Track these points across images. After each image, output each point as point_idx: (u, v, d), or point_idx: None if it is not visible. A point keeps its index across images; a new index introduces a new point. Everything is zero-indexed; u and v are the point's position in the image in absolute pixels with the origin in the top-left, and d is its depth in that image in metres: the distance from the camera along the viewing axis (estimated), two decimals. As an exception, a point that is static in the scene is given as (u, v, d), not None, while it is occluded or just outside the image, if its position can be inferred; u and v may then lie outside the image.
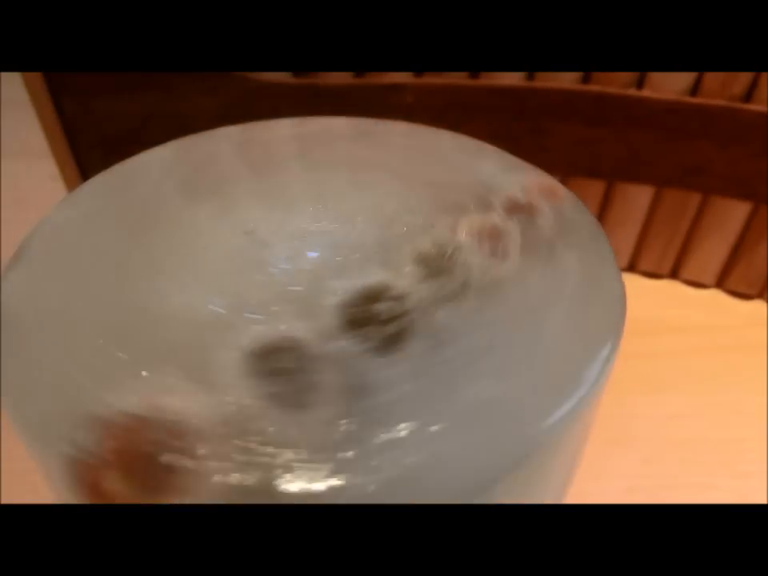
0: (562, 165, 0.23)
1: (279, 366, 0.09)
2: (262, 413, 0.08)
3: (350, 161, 0.13)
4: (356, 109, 0.21)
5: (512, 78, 0.21)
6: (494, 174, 0.13)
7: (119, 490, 0.08)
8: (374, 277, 0.10)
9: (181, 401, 0.09)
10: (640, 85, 0.21)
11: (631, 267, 0.25)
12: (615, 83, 0.21)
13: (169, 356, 0.09)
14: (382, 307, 0.10)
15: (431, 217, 0.12)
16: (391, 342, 0.09)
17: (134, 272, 0.10)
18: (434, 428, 0.08)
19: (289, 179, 0.13)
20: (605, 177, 0.23)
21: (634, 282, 0.25)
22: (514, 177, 0.13)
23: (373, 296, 0.10)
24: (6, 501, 0.17)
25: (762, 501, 0.18)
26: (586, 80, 0.21)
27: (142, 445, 0.08)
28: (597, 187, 0.23)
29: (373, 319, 0.10)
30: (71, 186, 0.22)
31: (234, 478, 0.08)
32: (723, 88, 0.20)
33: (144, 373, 0.09)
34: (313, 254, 0.11)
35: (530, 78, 0.21)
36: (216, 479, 0.08)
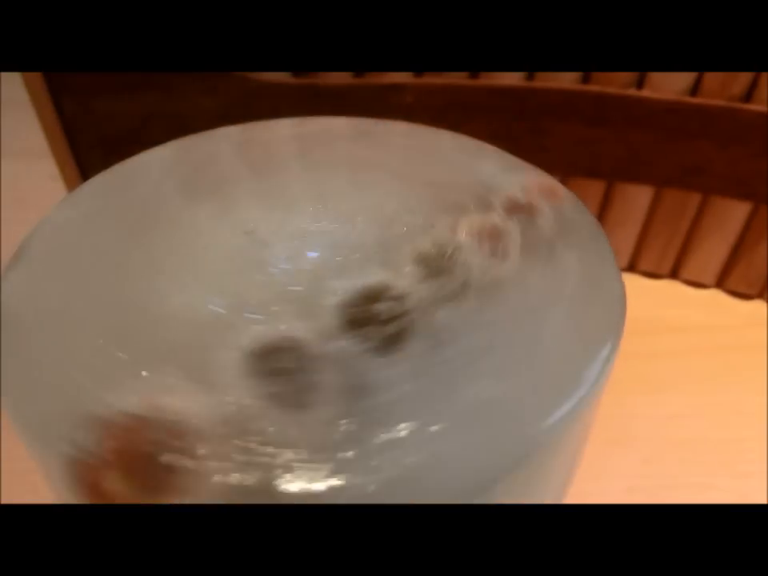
0: (562, 165, 0.23)
1: (279, 366, 0.09)
2: (261, 413, 0.08)
3: (350, 161, 0.13)
4: (356, 109, 0.21)
5: (512, 78, 0.21)
6: (494, 174, 0.13)
7: (119, 490, 0.08)
8: (374, 277, 0.10)
9: (181, 401, 0.09)
10: (640, 85, 0.21)
11: (631, 267, 0.25)
12: (615, 83, 0.21)
13: (169, 356, 0.09)
14: (382, 307, 0.10)
15: (431, 217, 0.12)
16: (391, 342, 0.09)
17: (134, 272, 0.10)
18: (434, 428, 0.08)
19: (289, 179, 0.13)
20: (605, 177, 0.23)
21: (633, 282, 0.25)
22: (514, 177, 0.13)
23: (373, 296, 0.10)
24: (6, 501, 0.17)
25: (762, 501, 0.18)
26: (585, 80, 0.21)
27: (142, 445, 0.08)
28: (597, 187, 0.23)
29: (373, 319, 0.10)
30: (71, 186, 0.22)
31: (234, 477, 0.08)
32: (723, 88, 0.20)
33: (144, 373, 0.09)
34: (313, 254, 0.11)
35: (530, 77, 0.21)
36: (216, 479, 0.08)
